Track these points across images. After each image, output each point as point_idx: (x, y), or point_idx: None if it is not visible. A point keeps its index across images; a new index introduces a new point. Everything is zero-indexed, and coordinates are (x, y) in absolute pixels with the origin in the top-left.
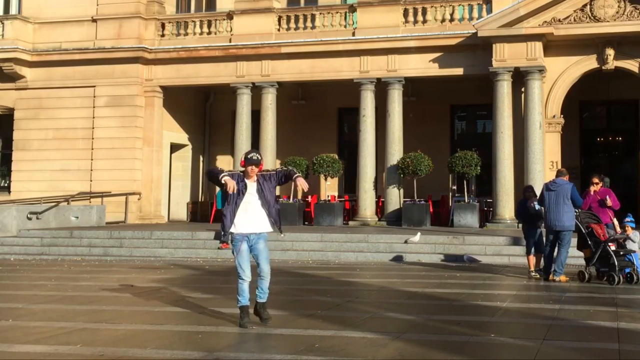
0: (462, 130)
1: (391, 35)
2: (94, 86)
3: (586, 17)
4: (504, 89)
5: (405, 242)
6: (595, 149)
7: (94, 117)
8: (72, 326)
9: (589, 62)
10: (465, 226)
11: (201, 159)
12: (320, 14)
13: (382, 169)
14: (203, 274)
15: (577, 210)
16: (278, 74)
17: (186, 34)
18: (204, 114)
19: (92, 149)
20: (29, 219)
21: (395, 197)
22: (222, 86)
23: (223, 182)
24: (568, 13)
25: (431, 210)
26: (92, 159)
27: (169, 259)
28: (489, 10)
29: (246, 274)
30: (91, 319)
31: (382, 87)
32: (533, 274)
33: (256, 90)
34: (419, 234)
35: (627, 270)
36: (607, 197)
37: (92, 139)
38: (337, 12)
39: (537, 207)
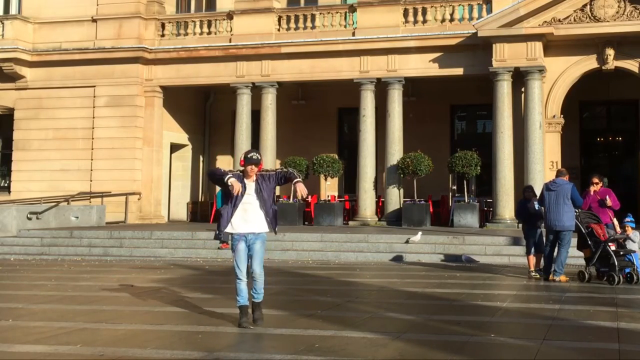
0: (462, 130)
1: (391, 35)
2: (94, 86)
3: (586, 17)
4: (504, 89)
5: (407, 241)
6: (595, 149)
7: (94, 117)
8: (72, 326)
9: (589, 62)
10: (465, 226)
11: (201, 159)
12: (320, 14)
13: (382, 169)
14: (203, 274)
15: (577, 210)
16: (278, 74)
17: (186, 34)
18: (204, 114)
19: (92, 149)
20: (29, 219)
21: (395, 197)
22: (222, 86)
23: (229, 184)
24: (568, 13)
25: (431, 210)
26: (92, 159)
27: (169, 259)
28: (489, 10)
29: (243, 274)
30: (91, 319)
31: (382, 87)
32: (533, 274)
33: (256, 90)
34: (420, 233)
35: (627, 270)
36: (607, 197)
37: (92, 139)
38: (337, 12)
39: (537, 207)
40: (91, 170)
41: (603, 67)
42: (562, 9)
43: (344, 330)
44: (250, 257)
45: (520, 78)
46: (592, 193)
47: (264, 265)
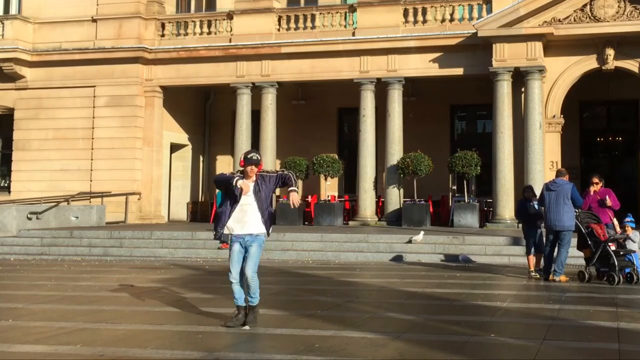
0: (462, 130)
1: (391, 35)
2: (94, 86)
3: (586, 17)
4: (504, 89)
5: (409, 241)
6: (595, 149)
7: (94, 117)
8: (72, 326)
9: (589, 62)
10: (465, 226)
11: (201, 159)
12: (320, 14)
13: (382, 169)
14: (203, 274)
15: (577, 210)
16: (278, 74)
17: (186, 34)
18: (204, 114)
19: (92, 149)
20: (29, 219)
21: (395, 197)
22: (222, 86)
23: (238, 186)
24: (568, 13)
25: (431, 210)
26: (92, 159)
27: (169, 259)
28: (489, 10)
29: (233, 276)
30: (91, 319)
31: (382, 87)
32: (533, 274)
33: (256, 90)
34: (422, 233)
35: (627, 270)
36: (607, 197)
37: (92, 139)
38: (337, 12)
39: (537, 207)
40: (91, 170)
41: (603, 67)
42: (562, 9)
43: (344, 330)
44: (245, 258)
45: (520, 78)
46: (592, 193)
47: (264, 265)
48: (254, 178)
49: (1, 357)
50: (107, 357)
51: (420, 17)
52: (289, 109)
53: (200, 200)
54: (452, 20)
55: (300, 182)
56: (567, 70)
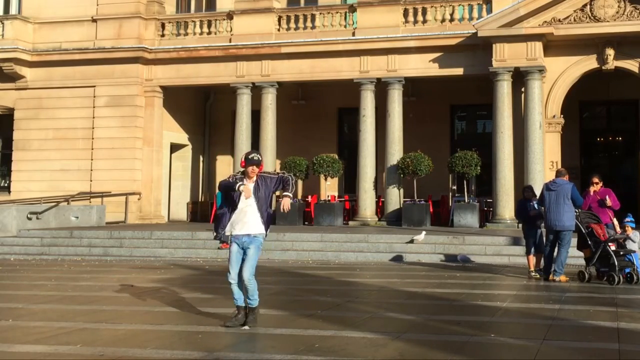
0: (462, 130)
1: (391, 35)
2: (94, 86)
3: (586, 17)
4: (504, 89)
5: (411, 241)
6: (595, 149)
7: (94, 117)
8: (72, 326)
9: (589, 62)
10: (465, 226)
11: (201, 159)
12: (320, 14)
13: (382, 169)
14: (203, 274)
15: (577, 210)
16: (278, 74)
17: (186, 34)
18: (204, 114)
19: (92, 149)
20: (29, 219)
21: (395, 197)
22: (222, 86)
23: (241, 191)
24: (568, 13)
25: (431, 210)
26: (92, 159)
27: (169, 259)
28: (489, 10)
29: (232, 277)
30: (91, 319)
31: (382, 87)
32: (533, 274)
33: (256, 90)
34: (423, 232)
35: (627, 270)
36: (607, 197)
37: (92, 139)
38: (337, 12)
39: (537, 207)
40: (91, 170)
41: (603, 67)
42: (562, 9)
43: (344, 330)
44: (242, 260)
45: (520, 78)
46: (592, 193)
47: (264, 265)
48: (254, 178)
49: (1, 357)
50: (107, 357)
51: (420, 17)
52: (289, 109)
53: (200, 200)
54: (452, 20)
55: (300, 182)
56: (567, 70)
